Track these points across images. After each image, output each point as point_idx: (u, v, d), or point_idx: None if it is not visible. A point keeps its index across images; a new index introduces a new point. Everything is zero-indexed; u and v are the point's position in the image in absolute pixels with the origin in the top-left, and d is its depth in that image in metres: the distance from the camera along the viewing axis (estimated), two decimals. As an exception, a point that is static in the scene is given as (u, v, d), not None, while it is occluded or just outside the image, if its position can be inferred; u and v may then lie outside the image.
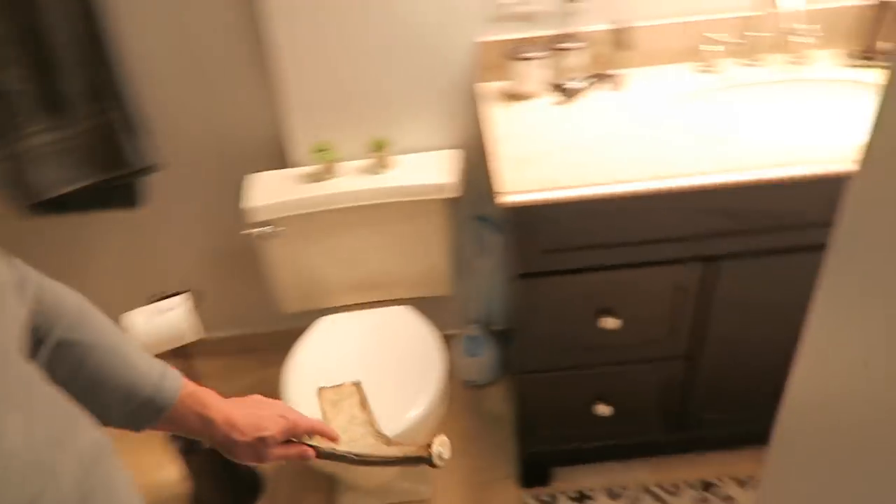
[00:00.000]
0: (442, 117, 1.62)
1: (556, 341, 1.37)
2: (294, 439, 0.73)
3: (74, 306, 0.62)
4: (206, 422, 0.66)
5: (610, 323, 1.31)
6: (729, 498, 1.55)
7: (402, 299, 1.66)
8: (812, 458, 0.48)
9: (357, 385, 0.84)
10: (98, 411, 0.58)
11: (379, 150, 1.58)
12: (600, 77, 1.50)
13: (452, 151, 1.64)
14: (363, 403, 0.82)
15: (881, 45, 1.45)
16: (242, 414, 0.69)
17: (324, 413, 0.81)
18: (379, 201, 1.55)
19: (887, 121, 0.36)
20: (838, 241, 0.43)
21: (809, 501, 0.50)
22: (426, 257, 1.65)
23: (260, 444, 0.69)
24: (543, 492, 1.60)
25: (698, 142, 1.25)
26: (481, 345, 1.85)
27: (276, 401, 0.75)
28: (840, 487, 0.44)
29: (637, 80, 1.49)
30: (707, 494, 1.56)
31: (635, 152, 1.24)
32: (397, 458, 0.76)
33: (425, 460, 0.74)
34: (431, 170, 1.57)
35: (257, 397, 0.73)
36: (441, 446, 0.74)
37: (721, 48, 1.48)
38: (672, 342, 1.38)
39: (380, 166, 1.59)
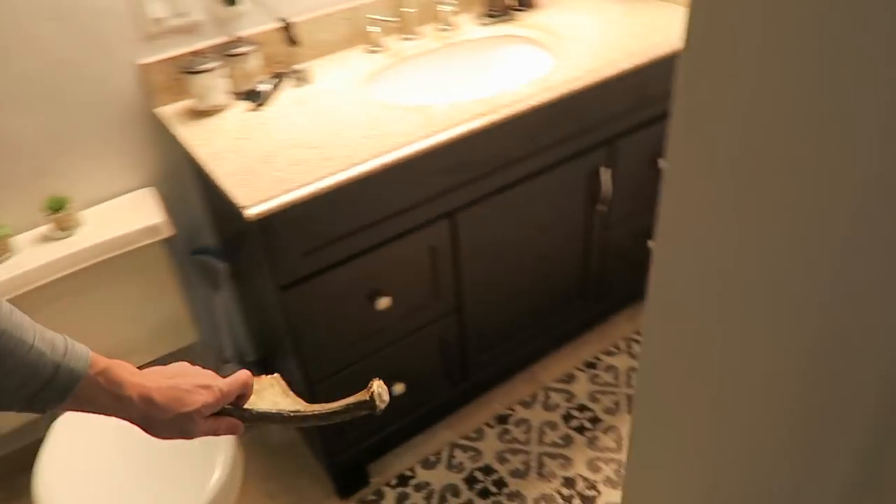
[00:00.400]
0: (124, 155, 1.44)
1: (338, 340, 1.34)
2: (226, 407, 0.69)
3: None
4: (121, 400, 0.62)
5: (383, 303, 1.32)
6: (523, 420, 1.70)
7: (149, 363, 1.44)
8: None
9: (276, 377, 0.78)
10: None
11: (58, 210, 1.34)
12: (283, 75, 1.47)
13: (148, 189, 1.46)
14: (286, 392, 0.76)
15: (509, 1, 1.69)
16: (163, 388, 0.64)
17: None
18: (77, 268, 1.32)
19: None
20: (673, 140, 0.48)
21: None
22: (158, 311, 1.46)
23: (183, 420, 0.65)
24: (367, 493, 1.57)
25: (403, 113, 1.32)
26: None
27: (203, 370, 0.69)
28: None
29: (320, 71, 1.51)
30: (506, 426, 1.69)
31: (351, 135, 1.25)
32: (336, 409, 0.72)
33: (367, 404, 0.71)
34: (130, 215, 1.39)
35: (183, 365, 0.69)
36: (380, 388, 0.72)
37: (379, 29, 1.57)
38: (440, 302, 1.45)
39: (64, 228, 1.35)
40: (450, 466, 1.61)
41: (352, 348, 1.37)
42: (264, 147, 1.25)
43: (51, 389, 0.59)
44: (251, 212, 1.09)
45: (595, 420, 1.69)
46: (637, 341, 1.89)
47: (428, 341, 1.49)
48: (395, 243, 1.30)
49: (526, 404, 1.75)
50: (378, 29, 1.57)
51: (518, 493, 1.55)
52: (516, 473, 1.59)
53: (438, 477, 1.59)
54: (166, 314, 1.47)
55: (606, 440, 1.64)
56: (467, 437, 1.68)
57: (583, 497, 1.53)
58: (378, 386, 0.72)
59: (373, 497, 1.56)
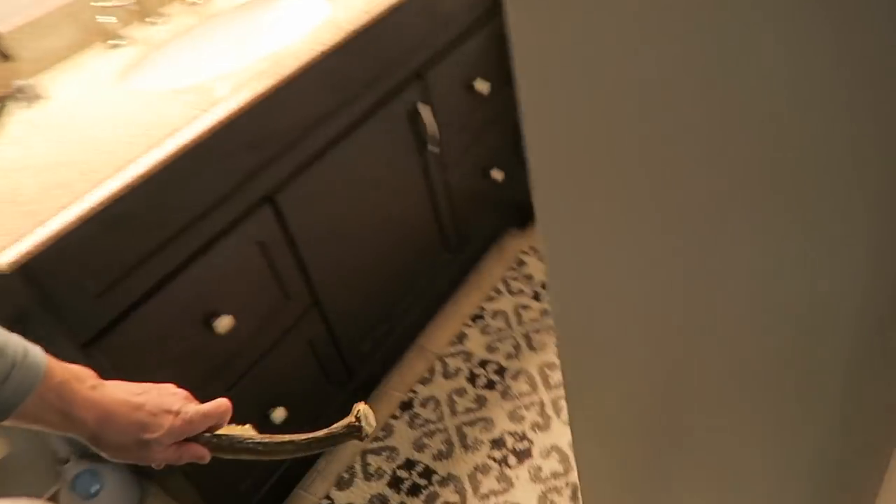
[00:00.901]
0: None
1: (186, 384, 1.09)
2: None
3: None
4: (71, 420, 0.58)
5: (224, 323, 1.09)
6: (429, 398, 1.54)
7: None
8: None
9: (247, 427, 0.71)
10: None
11: None
12: (4, 99, 1.17)
13: None
14: (262, 435, 0.69)
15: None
16: (124, 410, 0.60)
17: None
18: None
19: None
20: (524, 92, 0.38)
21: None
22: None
23: (141, 447, 0.61)
24: (285, 546, 1.34)
25: (174, 95, 1.08)
26: (94, 476, 1.40)
27: (176, 390, 0.66)
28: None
29: (54, 83, 1.22)
30: (413, 411, 1.52)
31: (115, 137, 1.00)
32: (319, 437, 0.67)
33: (354, 429, 0.67)
34: None
35: (151, 387, 0.64)
36: (366, 411, 0.69)
37: (114, 18, 1.31)
38: (292, 303, 1.24)
39: None
40: (367, 477, 1.42)
41: (206, 388, 1.13)
42: (17, 177, 0.96)
43: None
44: (15, 259, 0.82)
45: (501, 370, 1.57)
46: (514, 278, 1.79)
47: (295, 349, 1.28)
48: (213, 249, 1.07)
49: (426, 381, 1.59)
50: (113, 19, 1.30)
51: (450, 476, 1.39)
52: (440, 456, 1.43)
53: (359, 493, 1.39)
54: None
55: (519, 385, 1.53)
56: (376, 439, 1.49)
57: (516, 452, 1.40)
58: (363, 409, 0.69)
59: (293, 546, 1.33)
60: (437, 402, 1.53)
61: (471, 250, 1.78)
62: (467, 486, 1.36)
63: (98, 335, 0.95)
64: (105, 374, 0.99)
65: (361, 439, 0.68)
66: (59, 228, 0.86)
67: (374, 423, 0.70)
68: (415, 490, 1.37)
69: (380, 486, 1.40)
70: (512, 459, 1.38)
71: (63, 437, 1.38)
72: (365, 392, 1.55)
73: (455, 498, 1.34)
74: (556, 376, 1.53)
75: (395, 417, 1.52)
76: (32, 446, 1.39)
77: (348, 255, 1.35)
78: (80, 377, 0.60)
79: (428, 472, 1.40)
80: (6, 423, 0.56)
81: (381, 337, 1.51)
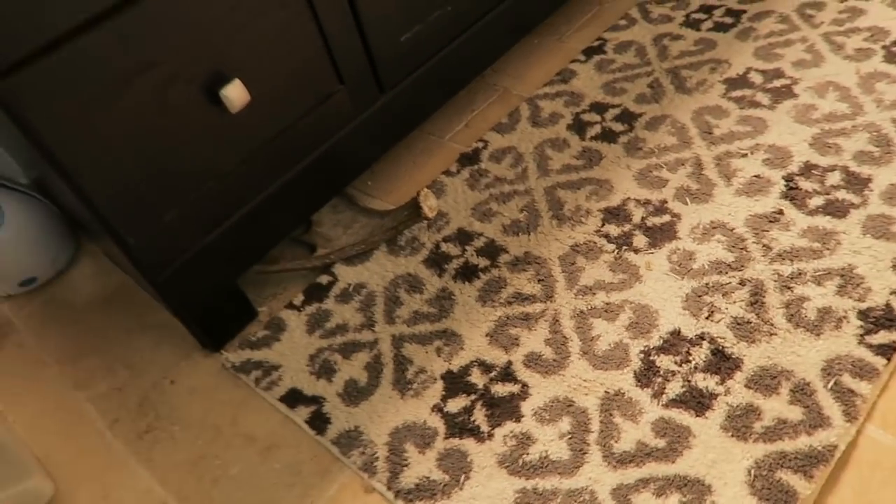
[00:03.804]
0: None
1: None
2: None
3: None
4: None
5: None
6: (509, 150, 0.96)
7: None
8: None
9: None
10: None
11: None
12: None
13: None
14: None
15: None
16: None
17: None
18: None
19: None
20: None
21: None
22: None
23: None
24: (246, 336, 0.84)
25: None
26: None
27: None
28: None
29: None
30: (480, 166, 0.95)
31: None
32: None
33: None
34: None
35: None
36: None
37: None
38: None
39: None
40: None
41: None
42: None
43: None
44: None
45: (627, 117, 0.96)
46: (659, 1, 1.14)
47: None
48: None
49: (503, 129, 1.01)
50: None
51: (527, 255, 0.83)
52: (509, 231, 0.86)
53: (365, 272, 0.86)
54: None
55: (658, 138, 0.92)
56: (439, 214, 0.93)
57: (645, 228, 0.82)
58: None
59: (252, 342, 0.83)
60: (519, 157, 0.95)
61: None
62: (557, 271, 0.80)
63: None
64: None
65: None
66: None
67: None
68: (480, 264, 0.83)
69: (409, 267, 0.86)
70: (639, 237, 0.81)
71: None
72: (403, 127, 0.98)
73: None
74: (724, 125, 0.91)
75: (448, 174, 0.96)
76: None
77: None
78: None
79: (495, 252, 0.85)
80: None
81: (428, 50, 0.92)
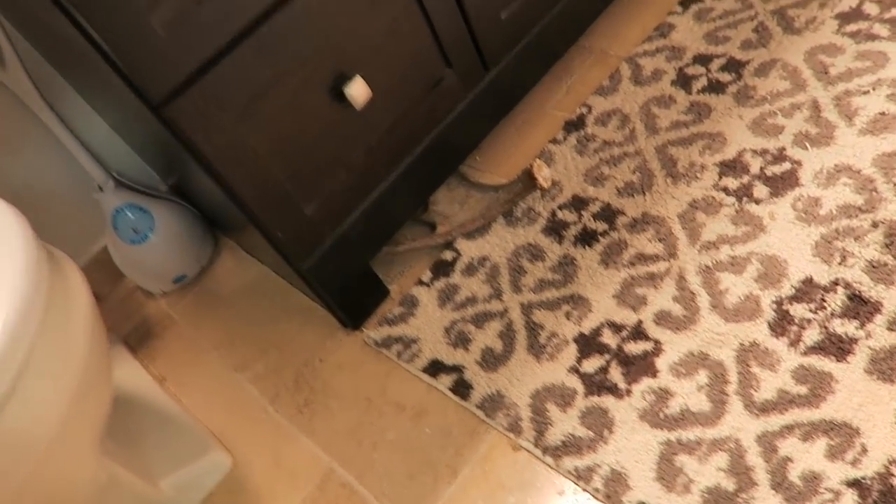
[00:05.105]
0: None
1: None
2: None
3: None
4: None
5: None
6: (615, 112, 0.97)
7: None
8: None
9: None
10: None
11: None
12: None
13: None
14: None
15: None
16: None
17: None
18: None
19: None
20: None
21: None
22: None
23: None
24: (383, 313, 0.90)
25: None
26: (143, 215, 1.02)
27: None
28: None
29: None
30: (584, 131, 0.97)
31: None
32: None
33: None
34: None
35: None
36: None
37: None
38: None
39: None
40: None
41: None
42: None
43: None
44: None
45: (735, 65, 0.95)
46: (753, -60, 1.10)
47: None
48: None
49: (605, 91, 1.01)
50: None
51: (644, 216, 0.84)
52: (624, 192, 0.88)
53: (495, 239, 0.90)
54: None
55: (771, 83, 0.91)
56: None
57: (766, 178, 0.81)
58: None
59: (393, 315, 0.89)
60: (625, 118, 0.96)
61: None
62: (677, 229, 0.81)
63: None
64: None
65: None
66: None
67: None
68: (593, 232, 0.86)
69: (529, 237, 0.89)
70: (759, 188, 0.81)
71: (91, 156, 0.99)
72: (509, 101, 1.00)
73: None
74: (840, 63, 0.88)
75: (555, 142, 0.98)
76: (68, 171, 1.03)
77: None
78: None
79: (611, 215, 0.87)
80: None
81: (524, 21, 0.94)
